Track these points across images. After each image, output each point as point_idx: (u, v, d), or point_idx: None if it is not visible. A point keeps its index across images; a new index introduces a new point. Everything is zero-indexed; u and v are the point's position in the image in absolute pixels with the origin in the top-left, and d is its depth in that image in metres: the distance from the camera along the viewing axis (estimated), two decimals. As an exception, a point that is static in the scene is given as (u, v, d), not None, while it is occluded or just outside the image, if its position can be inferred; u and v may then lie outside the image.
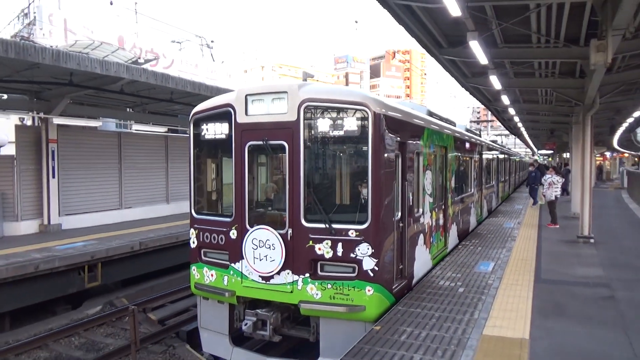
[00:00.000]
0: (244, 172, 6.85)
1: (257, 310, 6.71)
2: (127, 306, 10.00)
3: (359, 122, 6.23)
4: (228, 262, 6.99)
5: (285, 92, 6.53)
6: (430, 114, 10.05)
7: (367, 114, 6.17)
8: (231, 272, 6.94)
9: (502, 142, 46.74)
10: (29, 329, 9.99)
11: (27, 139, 13.94)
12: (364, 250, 6.15)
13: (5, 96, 15.15)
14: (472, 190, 13.77)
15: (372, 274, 6.14)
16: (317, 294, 6.32)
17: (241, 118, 6.85)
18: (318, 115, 6.39)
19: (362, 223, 6.20)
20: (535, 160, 38.20)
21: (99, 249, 11.64)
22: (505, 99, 15.41)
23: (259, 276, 6.65)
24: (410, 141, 7.53)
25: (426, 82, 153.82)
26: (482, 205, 15.85)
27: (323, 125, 6.37)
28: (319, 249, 6.31)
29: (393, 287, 6.76)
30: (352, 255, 6.19)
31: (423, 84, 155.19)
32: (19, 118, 18.61)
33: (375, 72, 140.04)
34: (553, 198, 14.43)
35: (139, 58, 22.25)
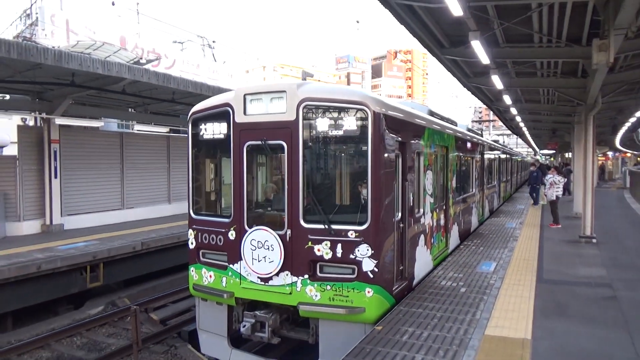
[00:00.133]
0: (243, 173, 6.81)
1: (256, 312, 6.65)
2: (129, 306, 10.02)
3: (359, 122, 6.19)
4: (226, 263, 6.93)
5: (284, 91, 6.49)
6: (432, 113, 10.01)
7: (367, 114, 6.12)
8: (230, 273, 6.88)
9: (504, 141, 46.67)
10: (31, 329, 10.01)
11: (30, 140, 13.97)
12: (363, 251, 6.10)
13: (7, 96, 15.21)
14: (474, 190, 13.74)
15: (371, 275, 6.09)
16: (316, 296, 6.28)
17: (240, 118, 6.79)
18: (317, 115, 6.34)
19: (361, 224, 6.16)
20: (537, 160, 38.13)
21: (101, 249, 11.66)
22: (507, 99, 15.38)
23: (258, 277, 6.60)
24: (410, 141, 7.49)
25: (428, 82, 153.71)
26: (483, 206, 15.82)
27: (322, 124, 6.32)
28: (318, 250, 6.26)
29: (393, 289, 6.71)
30: (351, 256, 6.14)
31: (425, 83, 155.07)
32: (21, 118, 18.68)
33: (376, 72, 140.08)
34: (554, 198, 14.40)
35: (141, 58, 22.29)
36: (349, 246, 6.14)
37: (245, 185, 6.80)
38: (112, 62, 12.32)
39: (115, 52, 18.98)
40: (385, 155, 6.34)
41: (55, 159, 14.04)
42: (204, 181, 7.84)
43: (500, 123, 38.51)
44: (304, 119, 6.35)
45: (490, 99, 18.39)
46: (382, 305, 6.33)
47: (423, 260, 8.22)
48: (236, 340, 7.31)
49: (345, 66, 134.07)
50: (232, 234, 6.85)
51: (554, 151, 44.89)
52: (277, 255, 6.40)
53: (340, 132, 6.27)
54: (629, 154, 57.89)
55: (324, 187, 6.70)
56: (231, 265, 6.87)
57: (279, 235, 6.41)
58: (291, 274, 6.40)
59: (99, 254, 11.43)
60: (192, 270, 7.42)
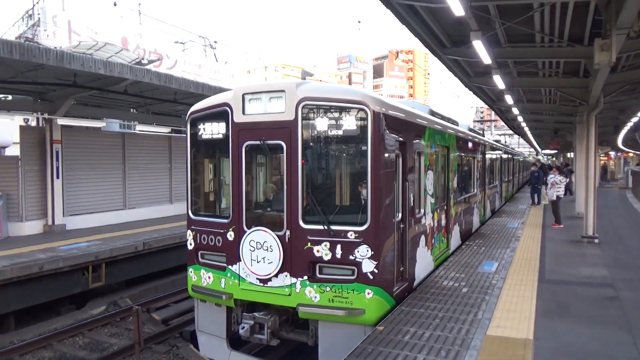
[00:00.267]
0: (242, 173, 6.75)
1: (255, 314, 6.58)
2: (131, 306, 10.03)
3: (358, 122, 6.13)
4: (225, 264, 6.87)
5: (283, 90, 6.43)
6: (432, 113, 9.99)
7: (367, 113, 6.07)
8: (228, 275, 6.82)
9: (505, 141, 46.66)
10: (33, 329, 10.03)
11: (32, 140, 14.01)
12: (363, 252, 6.04)
13: (9, 97, 15.26)
14: (475, 190, 13.72)
15: (371, 277, 6.03)
16: (315, 297, 6.23)
17: (238, 117, 6.74)
18: (317, 115, 6.28)
19: (361, 224, 6.10)
20: (538, 160, 38.06)
21: (103, 249, 11.68)
22: (508, 99, 15.36)
23: (257, 279, 6.55)
24: (411, 141, 7.45)
25: (429, 82, 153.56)
26: (485, 206, 15.80)
27: (321, 124, 6.26)
28: (318, 251, 6.21)
29: (393, 290, 6.66)
30: (351, 257, 6.08)
31: (426, 83, 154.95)
32: (24, 119, 18.69)
33: (378, 72, 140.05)
34: (554, 198, 14.40)
35: (143, 59, 22.30)
36: (349, 247, 6.09)
37: (244, 185, 6.75)
38: (114, 62, 12.34)
39: (117, 53, 18.99)
40: (386, 155, 6.29)
41: (57, 160, 14.08)
42: (202, 181, 7.79)
43: (502, 123, 38.46)
44: (303, 118, 6.30)
45: (492, 99, 18.38)
46: (382, 306, 6.27)
47: (424, 261, 8.19)
48: (235, 341, 7.25)
49: (347, 66, 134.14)
50: (230, 235, 6.80)
51: (556, 151, 44.84)
52: (276, 256, 6.35)
53: (340, 132, 6.21)
54: (631, 154, 57.70)
55: (323, 187, 6.65)
56: (230, 267, 6.81)
57: (278, 236, 6.36)
58: (290, 275, 6.35)
59: (101, 254, 11.45)
60: (191, 271, 7.37)
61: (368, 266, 6.03)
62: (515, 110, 19.12)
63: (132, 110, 17.88)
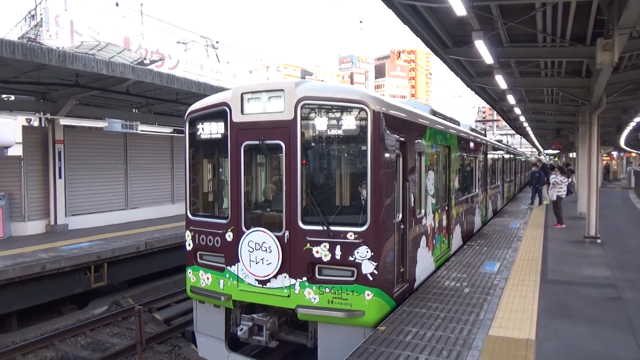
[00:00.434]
0: (240, 173, 6.68)
1: (253, 315, 6.51)
2: (133, 306, 10.06)
3: (358, 121, 6.07)
4: (224, 265, 6.82)
5: (282, 90, 6.36)
6: (434, 113, 9.95)
7: (367, 113, 6.00)
8: (227, 276, 6.77)
9: (507, 141, 46.55)
10: (35, 329, 10.06)
11: (34, 140, 14.05)
12: (363, 253, 5.97)
13: (12, 97, 15.29)
14: (477, 190, 13.69)
15: (371, 278, 5.97)
16: (314, 299, 6.17)
17: (237, 117, 6.67)
18: (316, 114, 6.21)
19: (361, 225, 6.03)
20: (539, 160, 37.98)
21: (105, 249, 11.70)
22: (510, 99, 15.34)
23: (255, 280, 6.49)
24: (412, 140, 7.39)
25: (431, 82, 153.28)
26: (487, 206, 15.77)
27: (321, 124, 6.19)
28: (317, 252, 6.14)
29: (393, 291, 6.60)
30: (350, 258, 6.01)
31: (428, 83, 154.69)
32: (26, 119, 18.73)
33: (380, 72, 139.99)
34: (554, 198, 14.37)
35: (145, 59, 22.32)
36: (348, 248, 6.02)
37: (243, 186, 6.69)
38: (116, 62, 12.36)
39: (119, 53, 19.01)
40: (386, 155, 6.23)
41: (59, 160, 14.11)
42: (201, 182, 7.73)
43: (504, 123, 38.37)
44: (302, 118, 6.23)
45: (494, 99, 18.35)
46: (382, 308, 6.21)
47: (425, 262, 8.14)
48: (234, 343, 7.19)
49: (348, 66, 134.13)
50: (229, 236, 6.73)
51: (558, 151, 44.69)
52: (275, 257, 6.29)
53: (340, 132, 6.15)
54: (633, 154, 57.61)
55: (322, 187, 6.59)
56: (229, 267, 6.76)
57: (276, 236, 6.30)
58: (289, 277, 6.29)
59: (103, 254, 11.47)
60: (190, 272, 7.32)
61: (368, 267, 5.97)
62: (517, 110, 19.09)
63: (134, 110, 17.90)
